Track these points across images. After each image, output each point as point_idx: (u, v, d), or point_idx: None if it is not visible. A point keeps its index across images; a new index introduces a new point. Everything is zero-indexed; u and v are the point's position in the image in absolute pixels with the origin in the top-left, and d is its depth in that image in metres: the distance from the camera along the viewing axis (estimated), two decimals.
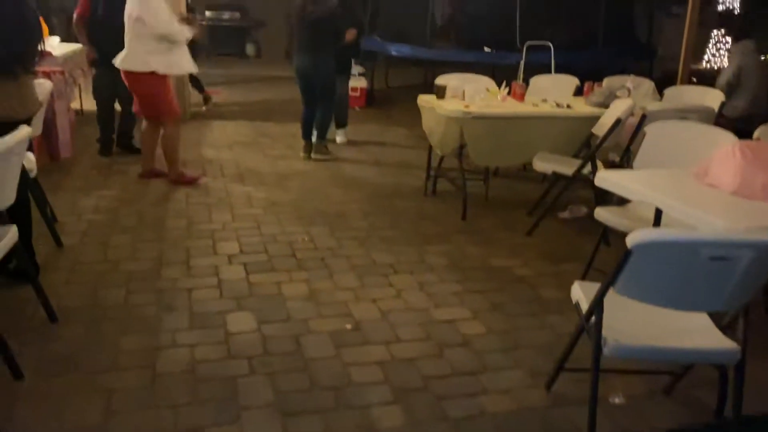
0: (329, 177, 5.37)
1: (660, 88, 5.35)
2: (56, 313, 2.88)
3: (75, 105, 7.06)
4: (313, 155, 5.84)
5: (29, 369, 2.48)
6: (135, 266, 3.48)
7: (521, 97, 4.64)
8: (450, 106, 4.30)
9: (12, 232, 2.65)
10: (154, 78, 4.62)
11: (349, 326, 2.93)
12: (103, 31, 5.30)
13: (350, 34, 6.00)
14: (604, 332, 2.05)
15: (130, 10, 4.53)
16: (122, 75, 4.72)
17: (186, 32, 4.68)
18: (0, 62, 2.75)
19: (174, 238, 3.90)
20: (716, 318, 2.21)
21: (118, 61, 4.65)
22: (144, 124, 5.04)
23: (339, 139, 6.57)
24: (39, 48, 3.01)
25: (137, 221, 4.15)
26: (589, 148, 4.25)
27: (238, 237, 3.96)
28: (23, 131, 2.48)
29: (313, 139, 5.91)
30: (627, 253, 1.87)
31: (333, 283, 3.38)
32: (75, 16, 5.56)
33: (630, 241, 1.84)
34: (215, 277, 3.39)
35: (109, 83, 5.42)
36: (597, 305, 2.06)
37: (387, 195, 4.94)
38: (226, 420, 2.27)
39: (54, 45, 6.34)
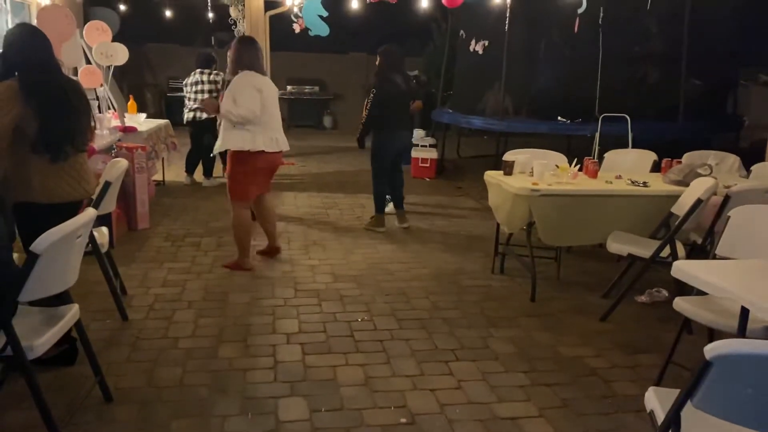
0: (394, 251, 5.30)
1: (748, 159, 5.04)
2: (112, 392, 2.88)
3: (157, 177, 7.41)
4: (404, 225, 6.04)
5: None
6: (194, 343, 3.48)
7: (594, 174, 4.46)
8: (517, 183, 4.17)
9: (74, 311, 2.70)
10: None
11: (404, 420, 2.77)
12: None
13: (418, 105, 6.39)
14: None
15: (276, 94, 4.68)
16: (280, 156, 4.75)
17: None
18: (45, 145, 2.88)
19: (235, 314, 3.90)
20: None
21: (280, 144, 4.65)
22: (246, 211, 4.73)
23: (387, 208, 6.65)
24: (90, 127, 3.13)
25: (202, 296, 4.18)
26: (668, 228, 3.98)
27: (299, 314, 3.91)
28: (87, 214, 2.55)
29: (388, 209, 6.16)
30: (706, 365, 1.66)
31: (390, 369, 3.24)
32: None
33: (709, 351, 1.63)
34: (272, 358, 3.33)
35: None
36: (673, 420, 1.83)
37: (452, 272, 4.81)
38: None
39: (140, 121, 6.72)
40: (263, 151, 4.49)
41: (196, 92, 7.34)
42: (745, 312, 2.42)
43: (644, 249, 3.88)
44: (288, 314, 3.91)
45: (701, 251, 3.99)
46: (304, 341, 3.54)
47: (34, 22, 5.47)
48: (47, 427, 2.41)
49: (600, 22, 7.70)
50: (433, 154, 8.74)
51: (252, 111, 4.41)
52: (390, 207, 6.18)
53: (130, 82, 12.55)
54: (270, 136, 4.55)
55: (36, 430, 2.47)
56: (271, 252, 5.02)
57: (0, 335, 2.28)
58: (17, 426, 2.62)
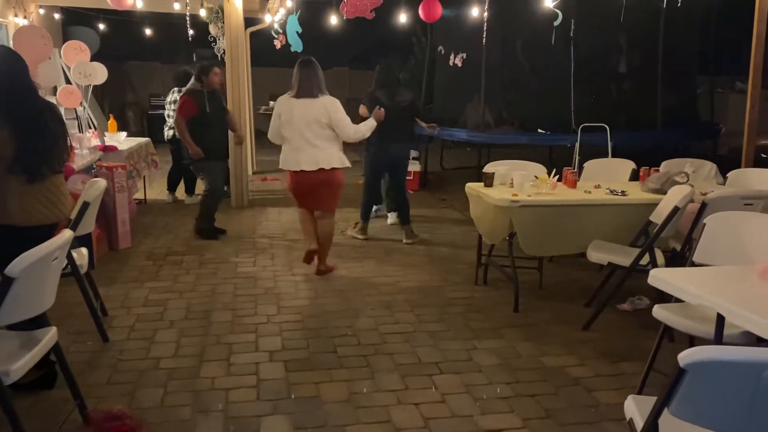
0: (378, 265, 5.30)
1: (725, 166, 5.11)
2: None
3: (139, 195, 7.37)
4: (405, 241, 6.05)
5: None
6: (176, 363, 3.45)
7: (573, 184, 4.50)
8: (497, 194, 4.20)
9: (51, 334, 2.66)
10: (343, 172, 4.87)
11: None
12: (212, 130, 5.84)
13: (431, 127, 6.51)
14: None
15: (317, 117, 4.67)
16: (309, 176, 4.70)
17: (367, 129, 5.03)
18: (22, 167, 2.86)
19: (218, 332, 3.87)
20: None
21: (318, 163, 4.67)
22: (300, 211, 5.05)
23: (390, 220, 6.77)
24: (66, 149, 3.12)
25: (184, 314, 4.15)
26: (648, 236, 4.02)
27: (282, 331, 3.90)
28: (63, 236, 2.53)
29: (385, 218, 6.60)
30: (680, 372, 1.67)
31: (374, 384, 3.23)
32: (179, 117, 5.90)
33: (682, 359, 1.65)
34: (254, 376, 3.30)
35: (222, 174, 6.08)
36: (651, 428, 1.84)
37: (436, 284, 4.81)
38: None
39: (120, 140, 6.69)
40: (287, 168, 4.83)
41: (174, 109, 7.33)
42: (721, 318, 2.45)
43: (624, 257, 3.91)
44: (271, 331, 3.89)
45: (681, 258, 4.03)
46: (287, 358, 3.52)
47: (11, 44, 5.44)
48: None
49: (571, 34, 7.81)
50: (416, 166, 8.77)
51: (270, 133, 4.95)
52: (393, 217, 6.62)
53: (111, 100, 12.50)
54: (291, 155, 4.77)
55: None
56: (310, 258, 5.01)
57: None
58: None
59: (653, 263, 3.75)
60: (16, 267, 2.25)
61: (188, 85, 6.26)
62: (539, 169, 4.81)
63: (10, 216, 2.87)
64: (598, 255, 4.02)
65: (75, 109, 6.63)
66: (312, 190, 4.81)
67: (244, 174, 7.50)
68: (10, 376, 2.31)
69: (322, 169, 4.70)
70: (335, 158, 4.76)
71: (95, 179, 3.79)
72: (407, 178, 8.51)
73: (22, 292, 2.32)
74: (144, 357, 3.52)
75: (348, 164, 4.87)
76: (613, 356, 3.59)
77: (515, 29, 8.70)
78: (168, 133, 7.44)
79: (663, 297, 3.24)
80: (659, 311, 2.94)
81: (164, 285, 4.72)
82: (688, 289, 2.32)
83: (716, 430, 1.74)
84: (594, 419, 2.93)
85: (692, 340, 3.08)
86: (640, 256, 3.78)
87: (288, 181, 4.93)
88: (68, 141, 3.15)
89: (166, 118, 7.48)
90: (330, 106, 4.70)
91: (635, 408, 2.06)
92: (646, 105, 8.38)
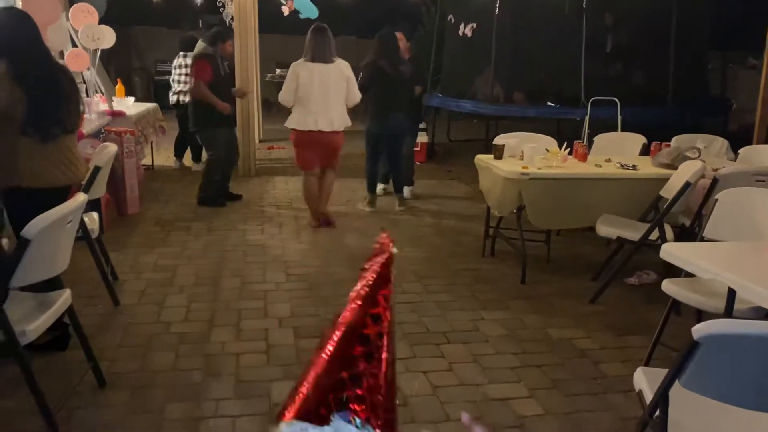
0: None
1: (736, 141, 5.08)
2: (105, 377, 2.89)
3: (146, 161, 7.36)
4: (398, 208, 6.17)
5: None
6: (187, 328, 3.49)
7: (583, 157, 4.48)
8: (507, 166, 4.19)
9: (66, 296, 2.70)
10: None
11: (396, 402, 2.80)
12: (221, 96, 5.79)
13: (418, 89, 6.68)
14: (670, 430, 1.85)
15: (335, 81, 5.06)
16: (325, 136, 5.11)
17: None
18: (34, 126, 2.85)
19: (227, 298, 3.90)
20: None
21: (333, 124, 5.10)
22: (308, 177, 5.38)
23: (406, 194, 6.71)
24: (77, 110, 3.10)
25: (194, 280, 4.18)
26: (657, 211, 4.02)
27: (291, 298, 3.93)
28: (78, 199, 2.54)
29: (377, 190, 6.39)
30: (693, 345, 1.69)
31: None
32: (198, 81, 5.79)
33: (696, 332, 1.66)
34: (264, 342, 3.34)
35: (230, 140, 6.13)
36: (661, 399, 1.87)
37: (444, 255, 4.83)
38: None
39: (128, 105, 6.66)
40: (304, 129, 5.09)
41: (179, 75, 7.29)
42: (732, 293, 2.46)
43: (633, 232, 3.91)
44: (280, 298, 3.93)
45: (690, 234, 4.04)
46: (296, 325, 3.55)
47: (19, 4, 5.39)
48: (42, 412, 2.43)
49: (584, 5, 7.70)
50: (423, 137, 8.72)
51: (283, 94, 5.13)
52: (380, 188, 6.46)
53: (117, 65, 12.41)
54: (309, 117, 5.07)
55: (30, 415, 2.48)
56: (320, 219, 5.48)
57: None
58: (11, 412, 2.63)
59: (663, 238, 3.75)
60: (32, 229, 2.26)
61: (200, 49, 6.10)
62: (550, 142, 4.79)
63: (23, 179, 2.88)
64: (607, 229, 4.02)
65: (82, 73, 6.58)
66: (322, 148, 5.22)
67: (251, 142, 7.49)
68: (27, 336, 2.35)
69: (335, 131, 5.12)
70: (345, 119, 5.22)
71: (106, 144, 3.79)
72: (415, 149, 8.53)
73: (37, 254, 2.34)
74: (155, 321, 3.56)
75: (349, 123, 5.28)
76: (619, 329, 3.62)
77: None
78: (172, 98, 7.41)
79: (671, 271, 3.26)
80: (668, 285, 2.95)
81: (173, 251, 4.75)
82: (701, 264, 2.33)
83: (727, 403, 1.77)
84: (600, 390, 2.97)
85: (699, 315, 3.10)
86: (649, 231, 3.78)
87: (296, 137, 5.20)
88: (81, 103, 3.13)
89: (172, 84, 7.44)
90: (346, 69, 5.08)
91: (645, 380, 2.08)
92: (657, 80, 8.30)
